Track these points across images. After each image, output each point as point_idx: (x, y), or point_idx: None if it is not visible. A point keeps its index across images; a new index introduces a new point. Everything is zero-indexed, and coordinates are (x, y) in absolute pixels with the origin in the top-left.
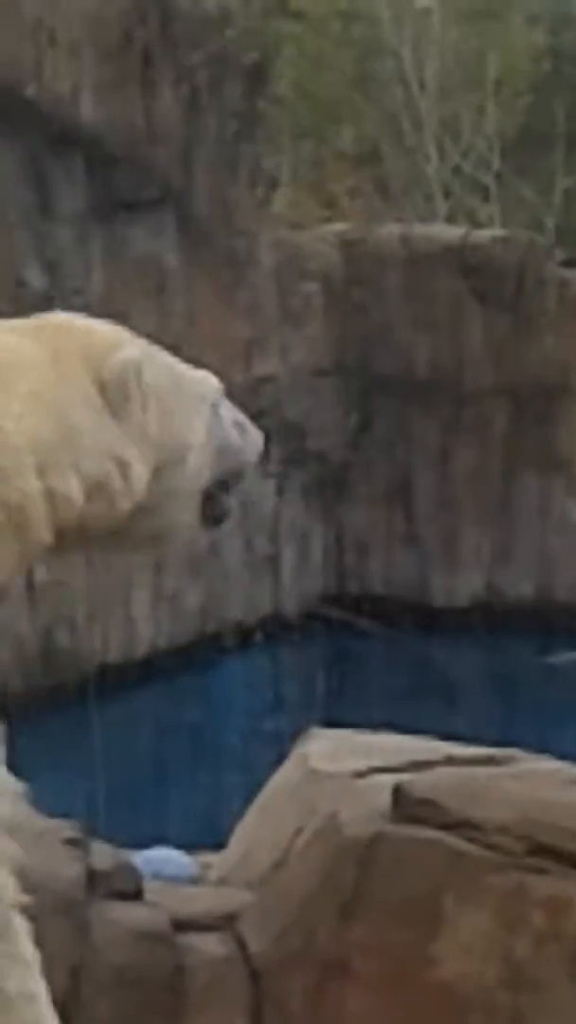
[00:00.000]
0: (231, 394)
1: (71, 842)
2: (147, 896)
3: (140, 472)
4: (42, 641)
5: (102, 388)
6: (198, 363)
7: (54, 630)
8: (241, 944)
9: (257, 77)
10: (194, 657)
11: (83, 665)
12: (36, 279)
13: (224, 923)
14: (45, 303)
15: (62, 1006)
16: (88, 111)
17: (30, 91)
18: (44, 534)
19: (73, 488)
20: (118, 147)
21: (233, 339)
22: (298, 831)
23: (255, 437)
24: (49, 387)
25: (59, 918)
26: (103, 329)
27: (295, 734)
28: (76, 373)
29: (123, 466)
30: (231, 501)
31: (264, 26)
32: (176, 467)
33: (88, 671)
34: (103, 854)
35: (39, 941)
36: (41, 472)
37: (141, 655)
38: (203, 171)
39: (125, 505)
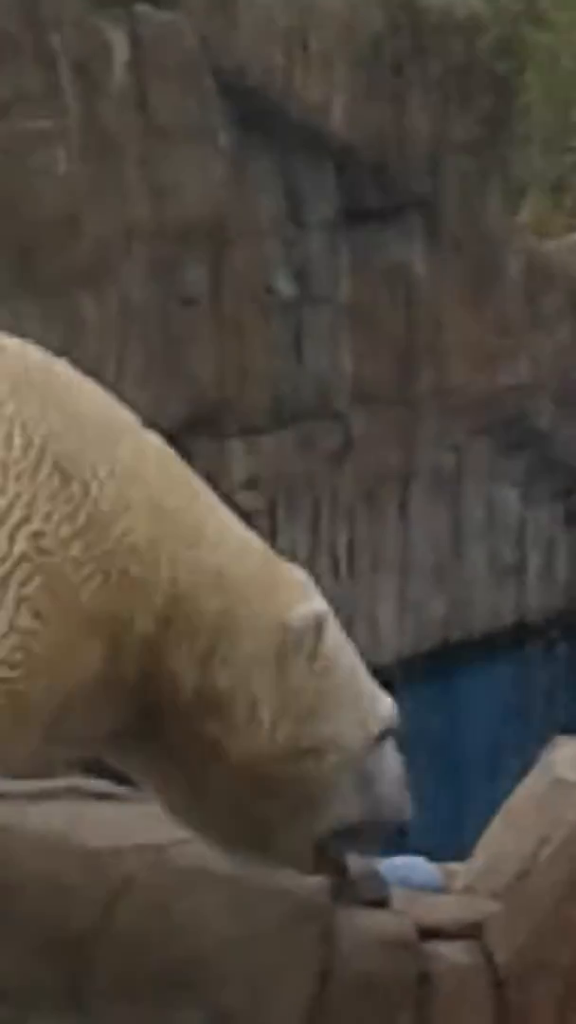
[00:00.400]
0: (480, 402)
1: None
2: (393, 904)
3: (264, 724)
4: None
5: (280, 628)
6: (445, 371)
7: None
8: (487, 953)
9: (506, 85)
10: (438, 665)
11: None
12: (285, 286)
13: (470, 932)
14: (294, 310)
15: (308, 1010)
16: (338, 120)
17: (282, 100)
18: (127, 671)
19: (187, 672)
20: (368, 155)
21: (481, 347)
22: (544, 840)
23: (404, 801)
24: (239, 579)
25: (306, 924)
26: (305, 579)
27: (540, 743)
28: (267, 600)
29: (253, 707)
30: (355, 848)
31: (514, 34)
32: (314, 758)
33: None
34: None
35: (286, 946)
36: (162, 623)
37: (386, 662)
38: (452, 179)
39: (234, 747)
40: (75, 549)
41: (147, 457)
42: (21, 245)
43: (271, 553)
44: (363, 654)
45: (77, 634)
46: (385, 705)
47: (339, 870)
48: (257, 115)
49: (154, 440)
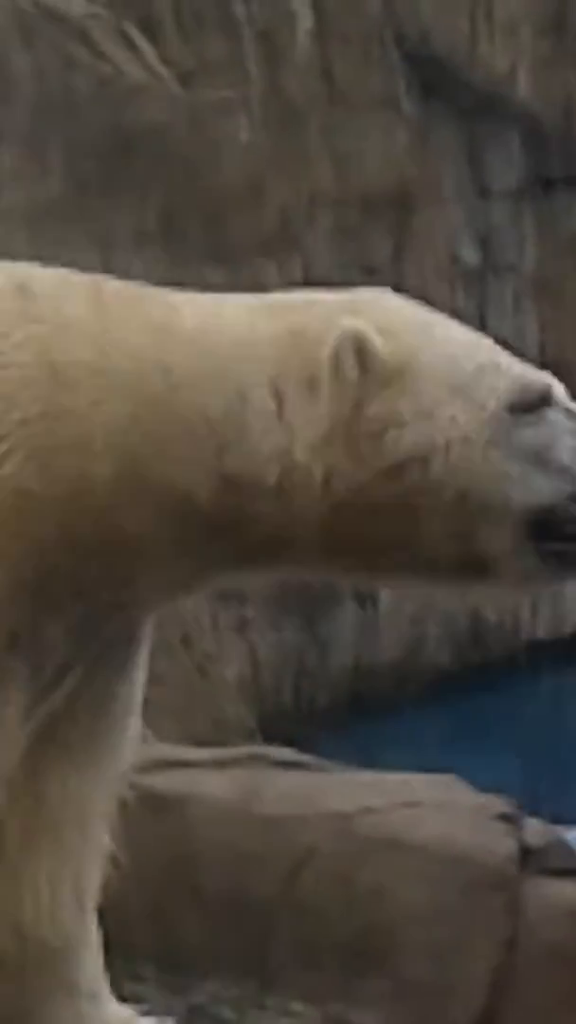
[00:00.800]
0: None
1: (504, 818)
2: None
3: (305, 466)
4: (471, 618)
5: (319, 363)
6: None
7: (483, 607)
8: None
9: None
10: None
11: (512, 641)
12: (469, 255)
13: None
14: (478, 278)
15: (494, 981)
16: (523, 88)
17: (466, 68)
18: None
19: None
20: (552, 124)
21: None
22: None
23: None
24: (235, 368)
25: (492, 893)
26: (369, 299)
27: None
28: (297, 352)
29: (282, 458)
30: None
31: None
32: (415, 469)
33: (517, 647)
34: (536, 830)
35: (471, 915)
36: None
37: (569, 632)
38: None
39: (336, 510)
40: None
41: (85, 307)
42: (206, 213)
43: (295, 298)
44: (546, 624)
45: (10, 513)
46: (511, 375)
47: (554, 567)
48: (441, 83)
49: (104, 283)
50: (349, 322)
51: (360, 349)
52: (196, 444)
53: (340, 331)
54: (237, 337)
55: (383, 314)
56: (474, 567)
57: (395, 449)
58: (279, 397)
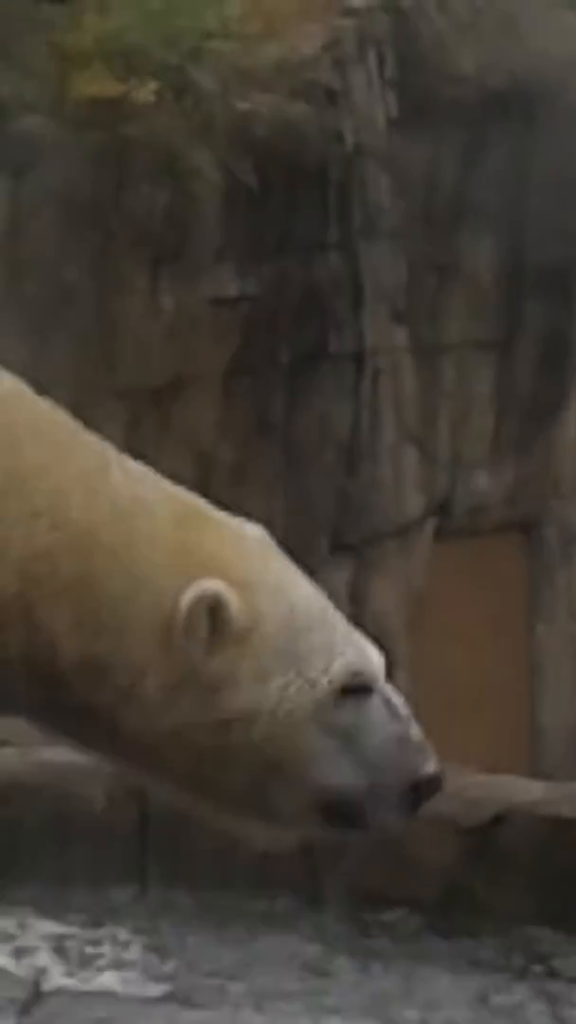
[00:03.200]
0: None
1: None
2: None
3: (158, 699)
4: None
5: (166, 604)
6: None
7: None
8: None
9: None
10: None
11: None
12: None
13: None
14: None
15: None
16: None
17: None
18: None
19: (59, 629)
20: None
21: None
22: None
23: (416, 759)
24: (104, 549)
25: None
26: (233, 554)
27: None
28: (164, 571)
29: (138, 675)
30: (369, 818)
31: None
32: (241, 726)
33: None
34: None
35: None
36: (24, 581)
37: None
38: None
39: (131, 718)
40: None
41: (12, 413)
42: None
43: (208, 516)
44: None
45: None
46: (345, 657)
47: (349, 830)
48: None
49: (35, 399)
50: (209, 583)
51: (215, 609)
52: (86, 612)
53: (199, 590)
54: (152, 535)
55: (245, 570)
56: (263, 814)
57: (226, 706)
58: (155, 620)
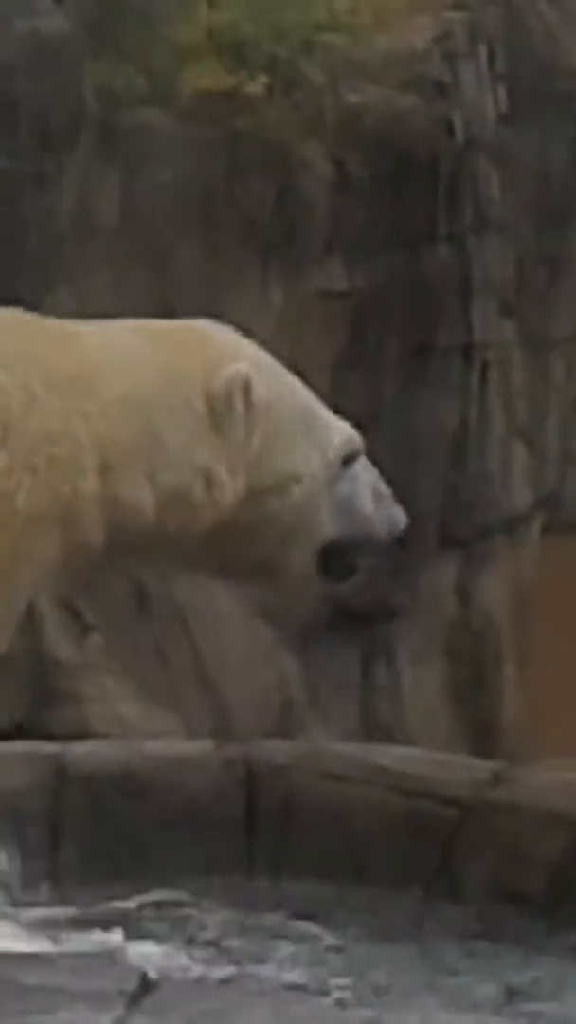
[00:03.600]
0: None
1: None
2: None
3: (227, 485)
4: None
5: (208, 398)
6: None
7: None
8: None
9: None
10: None
11: None
12: None
13: None
14: None
15: None
16: None
17: None
18: (93, 535)
19: (143, 496)
20: None
21: None
22: None
23: (393, 514)
24: (144, 393)
25: None
26: (227, 341)
27: None
28: (184, 382)
29: (208, 478)
30: (358, 563)
31: None
32: (277, 494)
33: None
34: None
35: None
36: (103, 473)
37: None
38: None
39: (206, 517)
40: (1, 460)
41: (25, 334)
42: None
43: (185, 332)
44: None
45: (24, 537)
46: (342, 431)
47: (343, 576)
48: None
49: (17, 313)
50: (239, 365)
51: (246, 387)
52: (138, 461)
53: (231, 371)
54: (168, 363)
55: (252, 357)
56: (269, 573)
57: (268, 478)
58: (197, 425)
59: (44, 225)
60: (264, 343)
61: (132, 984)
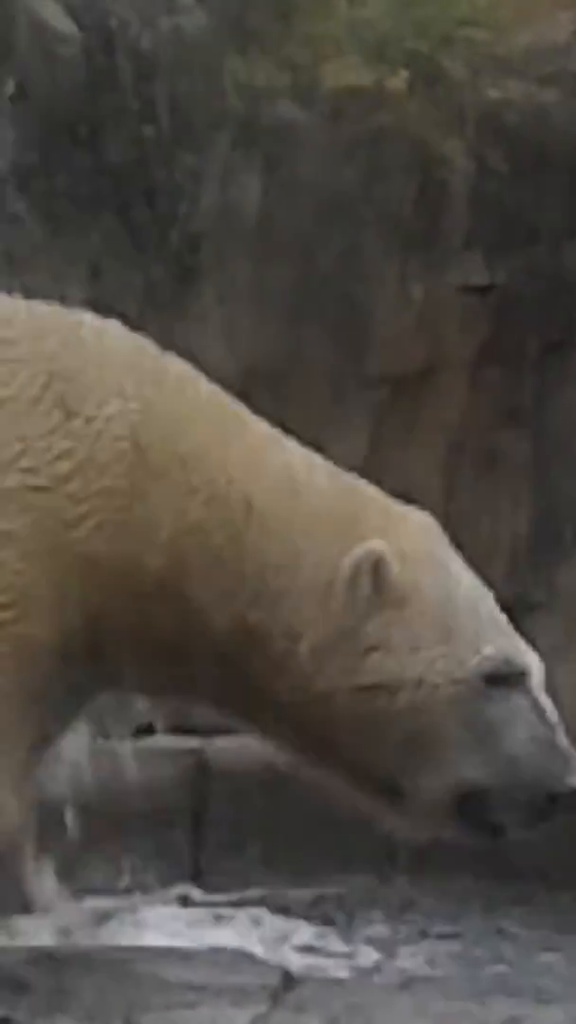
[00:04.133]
0: None
1: None
2: None
3: (308, 658)
4: None
5: (335, 570)
6: None
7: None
8: None
9: None
10: None
11: None
12: None
13: None
14: None
15: None
16: None
17: None
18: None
19: (214, 615)
20: None
21: None
22: None
23: (558, 763)
24: (285, 533)
25: None
26: (397, 515)
27: None
28: (328, 541)
29: (292, 637)
30: (504, 819)
31: None
32: (385, 695)
33: None
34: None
35: None
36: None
37: None
38: None
39: (279, 677)
40: (72, 486)
41: (178, 396)
42: None
43: (372, 495)
44: None
45: (71, 574)
46: (499, 645)
47: (488, 834)
48: None
49: (201, 382)
50: (374, 544)
51: (378, 570)
52: (240, 582)
53: (366, 549)
54: (316, 509)
55: (407, 542)
56: (392, 800)
57: (375, 671)
58: (316, 585)
59: (185, 222)
60: (404, 339)
61: (274, 980)
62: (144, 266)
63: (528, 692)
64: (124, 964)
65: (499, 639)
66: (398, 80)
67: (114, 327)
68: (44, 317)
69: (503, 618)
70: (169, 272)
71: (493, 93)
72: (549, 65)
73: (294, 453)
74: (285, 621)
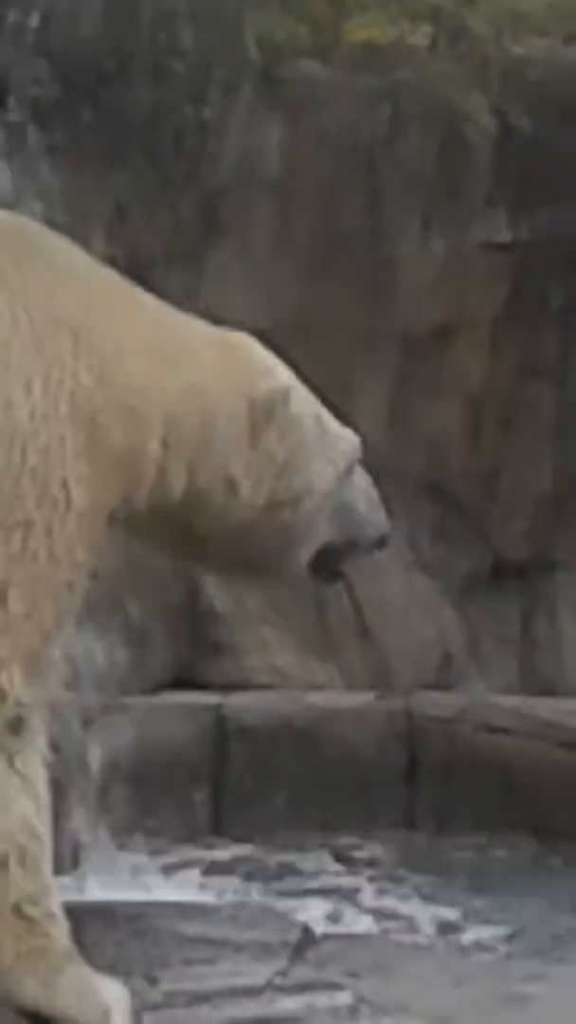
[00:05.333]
0: None
1: None
2: None
3: (245, 498)
4: None
5: (250, 407)
6: None
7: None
8: None
9: None
10: None
11: None
12: None
13: None
14: None
15: None
16: None
17: None
18: (141, 493)
19: (177, 486)
20: None
21: None
22: None
23: (381, 517)
24: (208, 389)
25: None
26: (266, 355)
27: None
28: (236, 389)
29: (231, 487)
30: (345, 565)
31: None
32: (290, 507)
33: None
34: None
35: None
36: (164, 446)
37: None
38: None
39: (213, 522)
40: (99, 397)
41: (125, 301)
42: None
43: (223, 335)
44: None
45: (111, 472)
46: (347, 439)
47: (333, 577)
48: None
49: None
50: (282, 378)
51: (286, 404)
52: (190, 446)
53: (277, 383)
54: (212, 363)
55: (286, 374)
56: (260, 573)
57: (289, 489)
58: (236, 430)
59: (206, 175)
60: (427, 295)
61: (295, 936)
62: (170, 210)
63: (360, 469)
64: (144, 919)
65: (342, 433)
66: (420, 36)
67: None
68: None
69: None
70: (190, 225)
71: (516, 50)
72: (572, 22)
73: (184, 323)
74: (226, 472)
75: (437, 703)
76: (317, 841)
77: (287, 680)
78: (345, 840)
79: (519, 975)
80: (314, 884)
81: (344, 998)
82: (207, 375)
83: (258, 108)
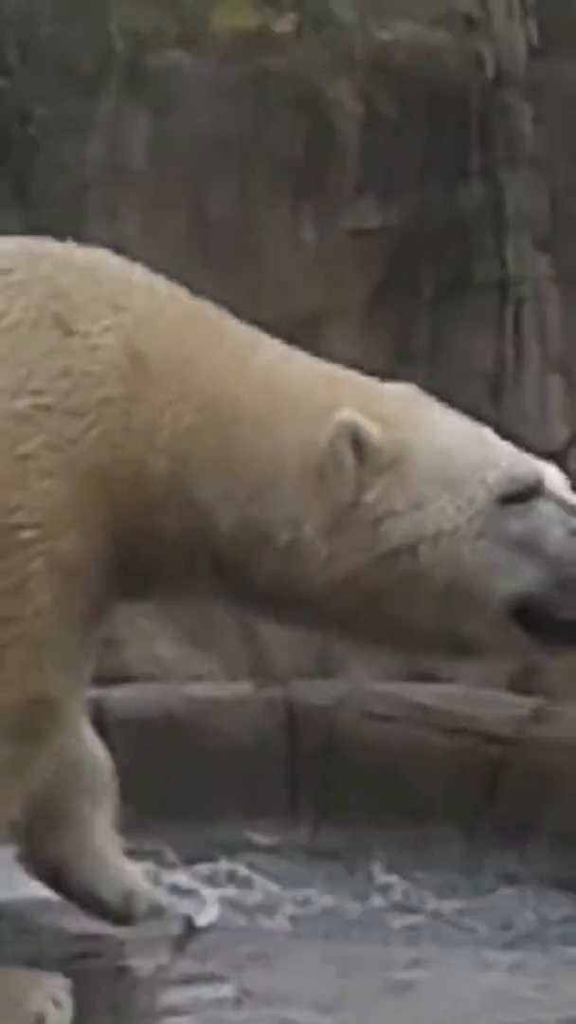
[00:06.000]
0: None
1: None
2: None
3: (314, 546)
4: None
5: (315, 447)
6: None
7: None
8: None
9: None
10: None
11: None
12: None
13: None
14: None
15: None
16: None
17: None
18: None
19: (219, 510)
20: None
21: None
22: None
23: None
24: (266, 416)
25: None
26: (361, 386)
27: None
28: (308, 425)
29: (295, 532)
30: (564, 616)
31: None
32: (407, 557)
33: None
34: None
35: None
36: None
37: None
38: None
39: (300, 570)
40: (73, 401)
41: (169, 305)
42: None
43: (352, 378)
44: None
45: (87, 486)
46: (503, 468)
47: (563, 637)
48: None
49: (185, 293)
50: (343, 413)
51: (355, 440)
52: (234, 479)
53: (337, 422)
54: (295, 398)
55: (385, 407)
56: (458, 646)
57: (388, 538)
58: (305, 469)
59: (74, 170)
60: (298, 283)
61: (176, 929)
62: (33, 216)
63: (549, 496)
64: (27, 916)
65: (500, 463)
66: (286, 23)
67: (102, 250)
68: (35, 245)
69: (504, 443)
70: (58, 221)
71: (382, 35)
72: (437, 6)
73: (274, 350)
74: (283, 511)
75: (317, 691)
76: (198, 833)
77: (167, 671)
78: (226, 829)
79: (405, 960)
80: (196, 876)
81: (227, 990)
82: (254, 397)
83: (124, 101)
